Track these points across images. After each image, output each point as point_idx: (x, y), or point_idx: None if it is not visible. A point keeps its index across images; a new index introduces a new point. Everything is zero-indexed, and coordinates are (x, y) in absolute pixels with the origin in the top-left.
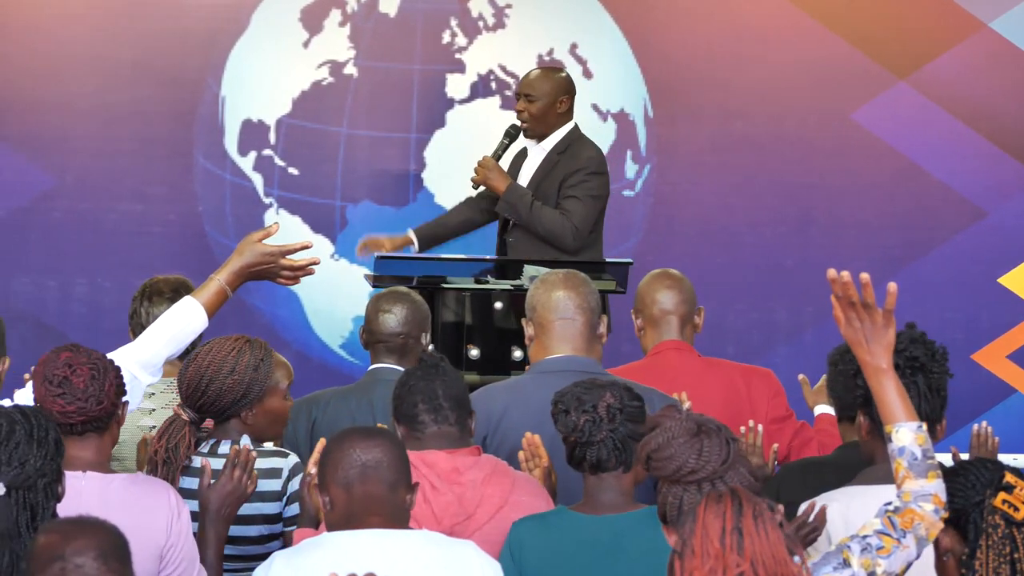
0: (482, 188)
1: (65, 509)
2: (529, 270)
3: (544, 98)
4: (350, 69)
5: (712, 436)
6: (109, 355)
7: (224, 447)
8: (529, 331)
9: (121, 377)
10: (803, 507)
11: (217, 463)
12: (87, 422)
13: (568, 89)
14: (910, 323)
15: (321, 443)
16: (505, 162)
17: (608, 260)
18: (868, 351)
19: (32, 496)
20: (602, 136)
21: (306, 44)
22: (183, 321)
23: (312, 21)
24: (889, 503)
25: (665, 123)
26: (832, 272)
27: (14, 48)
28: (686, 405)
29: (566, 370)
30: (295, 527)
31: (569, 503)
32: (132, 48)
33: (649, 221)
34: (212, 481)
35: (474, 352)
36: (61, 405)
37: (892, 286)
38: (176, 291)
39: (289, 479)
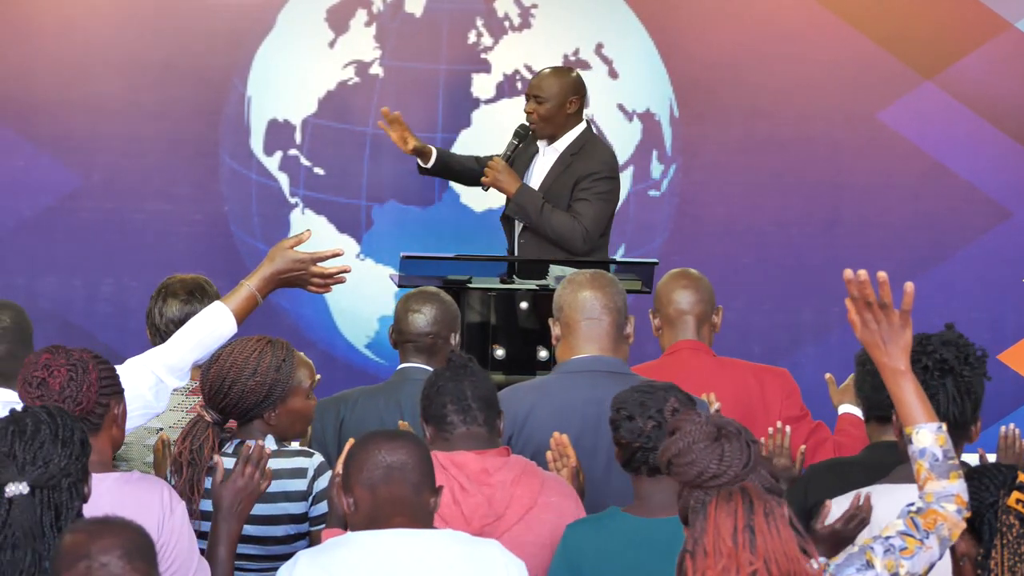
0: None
1: None
2: (555, 270)
3: (553, 99)
4: (376, 69)
5: (733, 440)
6: (136, 359)
7: None
8: (556, 331)
9: (110, 375)
10: (850, 497)
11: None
12: None
13: (578, 89)
14: (949, 324)
15: (350, 443)
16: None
17: (634, 260)
18: (885, 352)
19: (56, 496)
20: (628, 136)
21: (332, 44)
22: (211, 326)
23: (338, 21)
24: (911, 504)
25: (691, 123)
26: (848, 272)
27: (41, 48)
28: (714, 407)
29: (593, 370)
30: (322, 526)
31: (595, 503)
32: (158, 48)
33: (675, 221)
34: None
35: (500, 352)
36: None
37: (909, 286)
38: (191, 292)
39: (314, 479)
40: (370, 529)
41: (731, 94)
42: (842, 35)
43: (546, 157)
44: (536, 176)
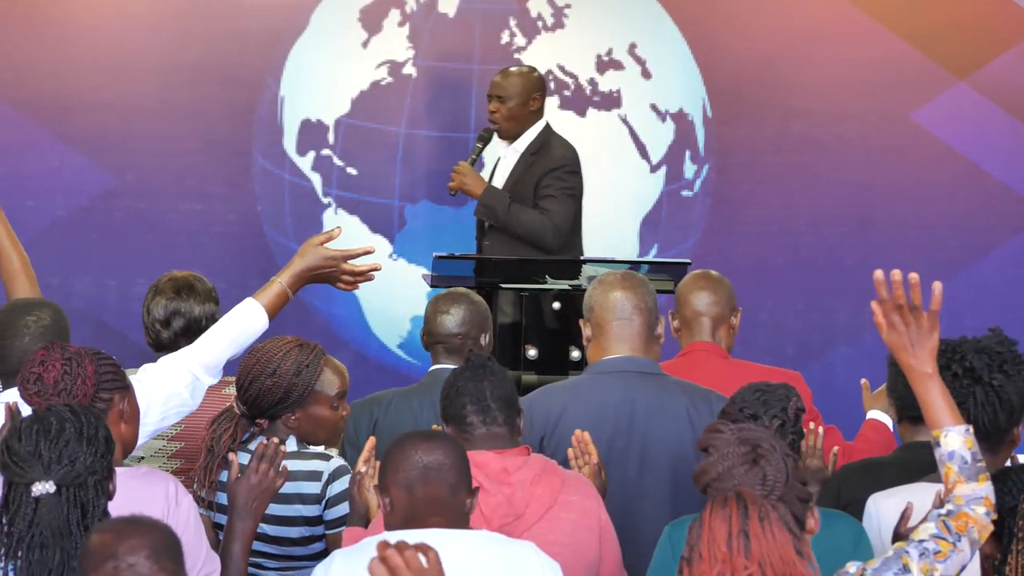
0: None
1: None
2: (587, 270)
3: (516, 97)
4: (409, 69)
5: (771, 459)
6: (171, 356)
7: None
8: (587, 332)
9: (111, 371)
10: (928, 492)
11: None
12: None
13: (539, 87)
14: (993, 328)
15: (371, 442)
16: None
17: (666, 260)
18: (913, 355)
19: (83, 494)
20: (661, 136)
21: (365, 44)
22: (244, 323)
23: (371, 21)
24: (941, 507)
25: (724, 123)
26: (879, 274)
27: (75, 49)
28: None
29: (624, 371)
30: (337, 530)
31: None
32: (192, 48)
33: (708, 221)
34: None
35: (532, 352)
36: (36, 403)
37: (937, 286)
38: (178, 291)
39: (329, 483)
40: (406, 529)
41: (764, 94)
42: (875, 35)
43: (507, 159)
44: (498, 180)
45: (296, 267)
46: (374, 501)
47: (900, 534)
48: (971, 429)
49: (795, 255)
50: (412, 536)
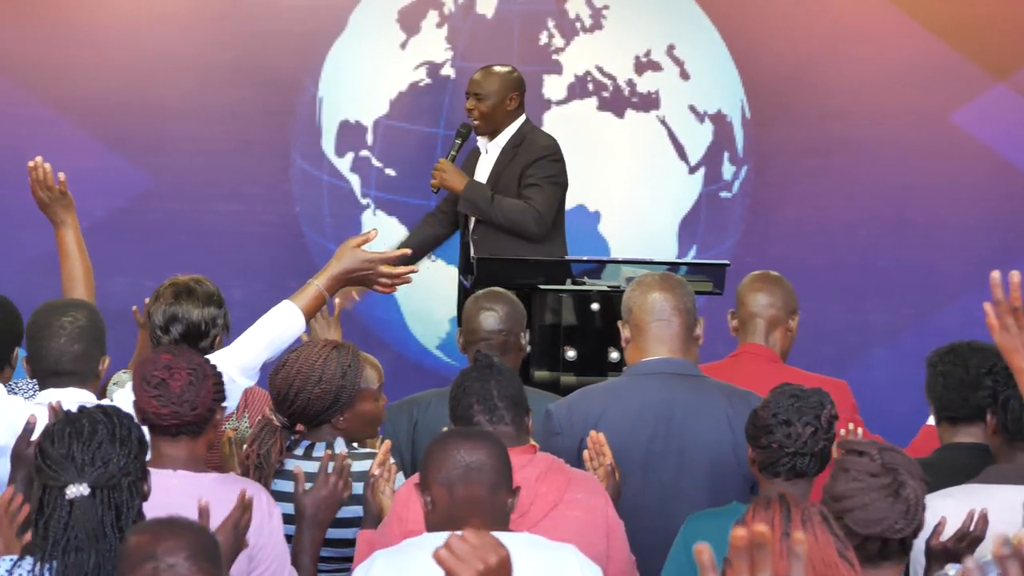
0: (448, 199)
1: (156, 506)
2: (626, 271)
3: (493, 96)
4: (447, 70)
5: (911, 488)
6: (208, 359)
7: (319, 450)
8: (625, 333)
9: (221, 384)
10: (955, 501)
11: (312, 466)
12: (180, 426)
13: (517, 87)
14: None
15: (386, 446)
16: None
17: (705, 261)
18: None
19: (117, 495)
20: (699, 137)
21: (403, 45)
22: (282, 326)
23: (409, 22)
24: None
25: (762, 124)
26: (996, 275)
27: (113, 50)
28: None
29: (663, 372)
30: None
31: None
32: (230, 49)
33: (746, 222)
34: (308, 486)
35: (571, 353)
36: (155, 407)
37: None
38: (177, 295)
39: None
40: (447, 530)
41: (803, 95)
42: (914, 37)
43: (489, 155)
44: (481, 175)
45: (333, 270)
46: (387, 503)
47: (931, 547)
48: None
49: (833, 256)
50: None
